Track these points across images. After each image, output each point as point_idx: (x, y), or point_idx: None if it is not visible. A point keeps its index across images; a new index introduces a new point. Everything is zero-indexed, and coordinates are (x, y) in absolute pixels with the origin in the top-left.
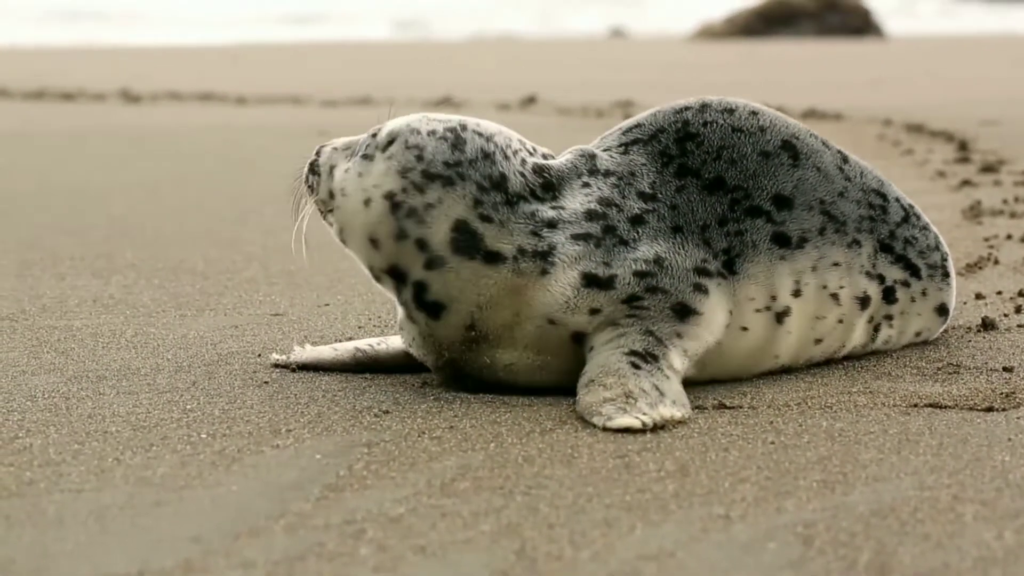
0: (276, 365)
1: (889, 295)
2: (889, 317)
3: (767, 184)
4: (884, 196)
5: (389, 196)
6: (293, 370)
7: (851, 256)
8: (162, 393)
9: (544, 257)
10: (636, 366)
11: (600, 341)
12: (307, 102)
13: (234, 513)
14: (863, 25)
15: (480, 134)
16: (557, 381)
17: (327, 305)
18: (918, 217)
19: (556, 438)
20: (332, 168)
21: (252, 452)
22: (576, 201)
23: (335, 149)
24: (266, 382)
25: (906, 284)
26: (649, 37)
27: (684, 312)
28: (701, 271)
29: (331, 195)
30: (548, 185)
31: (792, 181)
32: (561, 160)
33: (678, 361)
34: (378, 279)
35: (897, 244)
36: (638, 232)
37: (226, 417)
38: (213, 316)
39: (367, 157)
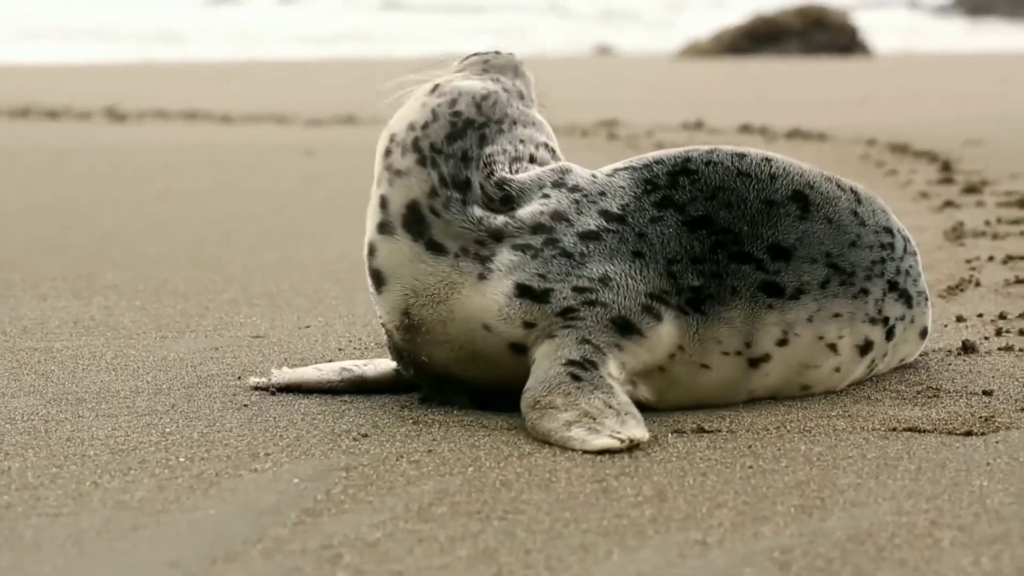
0: (256, 388)
1: (891, 334)
2: (884, 354)
3: (765, 233)
4: (891, 231)
5: (392, 138)
6: (272, 393)
7: (856, 306)
8: (141, 416)
9: (483, 262)
10: (576, 376)
11: (540, 354)
12: (292, 121)
13: (211, 537)
14: (849, 43)
15: (484, 138)
16: (501, 385)
17: (308, 327)
18: (910, 242)
19: (534, 462)
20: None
21: (230, 476)
22: (528, 212)
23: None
24: (245, 405)
25: (902, 318)
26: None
27: (626, 327)
28: (657, 298)
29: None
30: (507, 199)
31: (796, 233)
32: (531, 173)
33: (615, 369)
34: None
35: (901, 279)
36: (587, 247)
37: (205, 440)
38: (193, 338)
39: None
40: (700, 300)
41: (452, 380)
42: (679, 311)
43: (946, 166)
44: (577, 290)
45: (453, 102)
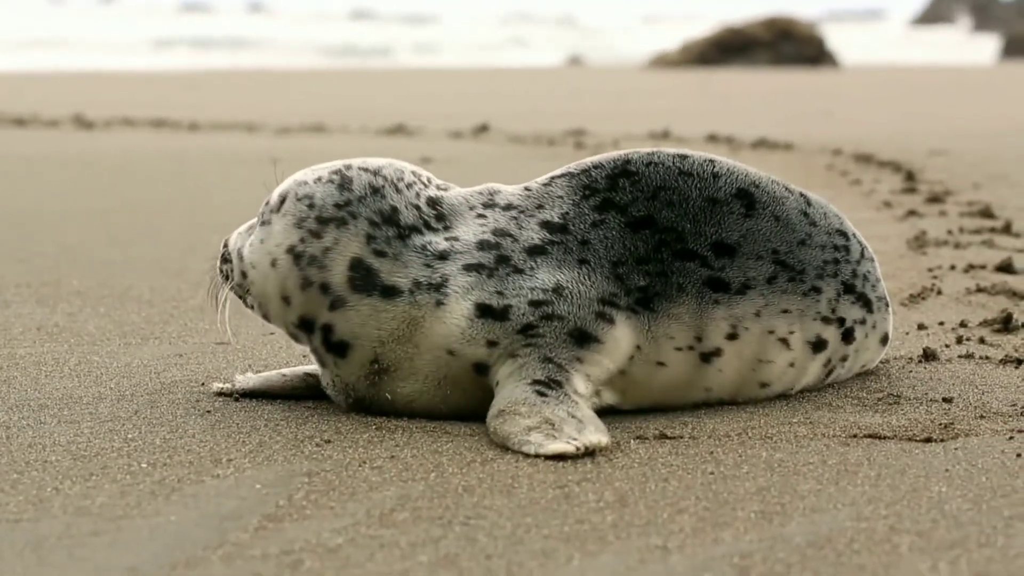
0: (219, 394)
1: (848, 336)
2: (844, 358)
3: (708, 230)
4: (845, 235)
5: (290, 250)
6: (236, 399)
7: (806, 304)
8: (104, 422)
9: (438, 288)
10: (542, 394)
11: (503, 375)
12: (261, 129)
13: (172, 543)
14: (817, 55)
15: (366, 169)
16: (459, 411)
17: (272, 334)
18: (867, 249)
19: (496, 468)
20: (240, 250)
21: (192, 482)
22: (470, 232)
23: (239, 234)
24: (208, 411)
25: (863, 322)
26: (605, 65)
27: (583, 338)
28: (607, 302)
29: (244, 275)
30: (441, 216)
31: (740, 231)
32: (456, 192)
33: (581, 385)
34: (295, 337)
35: (858, 282)
36: (535, 261)
37: (167, 446)
38: (158, 344)
39: (265, 223)
40: (648, 299)
41: (415, 414)
42: (630, 311)
43: (910, 176)
44: (534, 304)
45: (302, 183)
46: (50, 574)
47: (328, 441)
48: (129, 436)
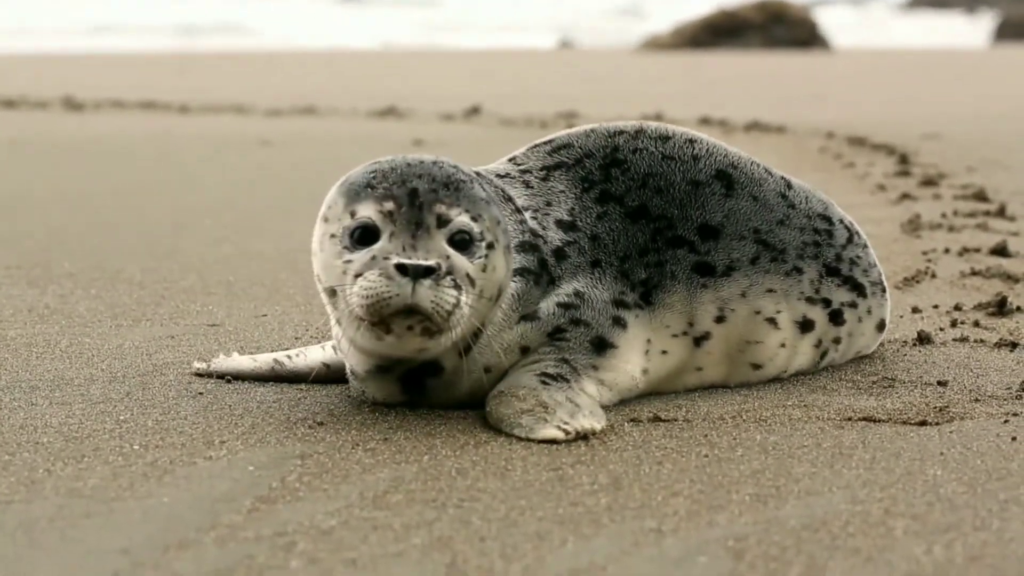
0: (197, 374)
1: (836, 317)
2: (837, 340)
3: (694, 214)
4: (829, 220)
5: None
6: (228, 381)
7: (789, 283)
8: (95, 404)
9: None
10: (545, 383)
11: (517, 366)
12: (251, 111)
13: (164, 525)
14: (809, 38)
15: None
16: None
17: (264, 316)
18: (859, 235)
19: (490, 451)
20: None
21: (185, 464)
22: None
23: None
24: (201, 393)
25: (853, 305)
26: (596, 48)
27: (602, 346)
28: (619, 303)
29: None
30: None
31: (722, 211)
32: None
33: (591, 387)
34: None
35: (843, 266)
36: (560, 264)
37: (159, 428)
38: (149, 326)
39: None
40: (648, 292)
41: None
42: (637, 308)
43: (904, 159)
44: (562, 307)
45: None
46: (42, 556)
47: (321, 423)
48: (121, 418)
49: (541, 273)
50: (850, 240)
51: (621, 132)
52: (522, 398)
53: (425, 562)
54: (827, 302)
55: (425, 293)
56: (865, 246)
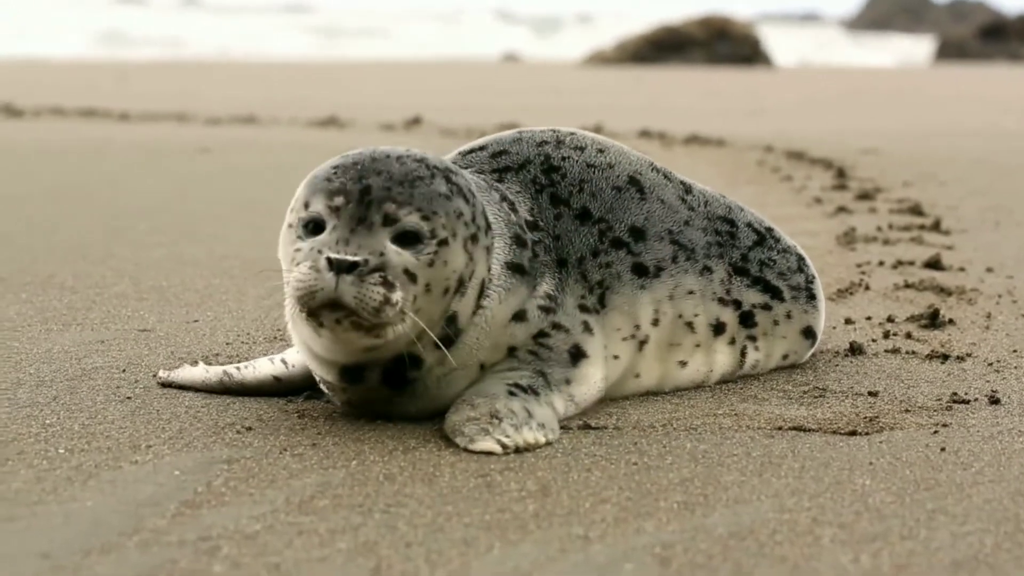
0: (160, 383)
1: (747, 319)
2: (753, 339)
3: (623, 216)
4: (732, 222)
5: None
6: (162, 386)
7: (704, 283)
8: (21, 407)
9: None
10: (512, 394)
11: (490, 371)
12: (191, 119)
13: (87, 529)
14: (752, 54)
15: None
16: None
17: (196, 321)
18: (777, 240)
19: (419, 456)
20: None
21: (110, 468)
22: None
23: None
24: (129, 397)
25: (767, 307)
26: (541, 62)
27: (577, 355)
28: (583, 308)
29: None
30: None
31: (643, 213)
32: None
33: (560, 403)
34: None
35: (752, 266)
36: (535, 265)
37: (85, 432)
38: (79, 331)
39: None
40: (603, 294)
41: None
42: (595, 312)
43: (841, 173)
44: (543, 309)
45: None
46: None
47: (249, 428)
48: (47, 422)
49: (530, 270)
50: (760, 243)
51: (545, 143)
52: (476, 406)
53: (350, 567)
54: (738, 304)
55: (347, 288)
56: (784, 250)
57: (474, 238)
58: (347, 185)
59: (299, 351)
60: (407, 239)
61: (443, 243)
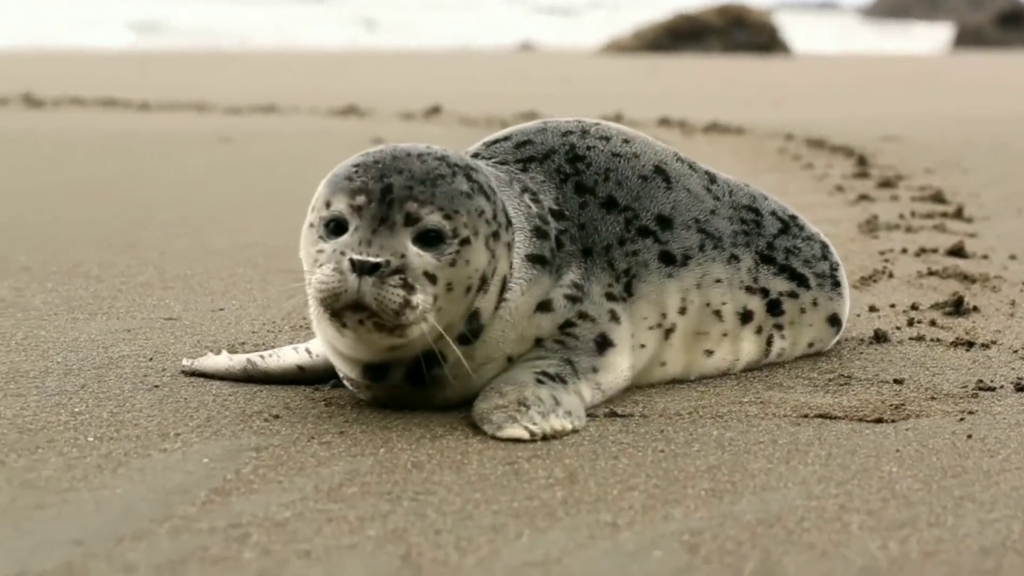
0: (183, 371)
1: (774, 308)
2: (779, 327)
3: (650, 205)
4: (757, 211)
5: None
6: (187, 375)
7: (731, 271)
8: (50, 396)
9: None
10: (541, 381)
11: (519, 360)
12: (211, 109)
13: (118, 516)
14: (769, 42)
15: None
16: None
17: (221, 310)
18: (801, 228)
19: (446, 444)
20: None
21: (139, 455)
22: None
23: None
24: (156, 386)
25: (793, 295)
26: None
27: (604, 344)
28: (609, 296)
29: None
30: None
31: (670, 202)
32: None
33: (587, 391)
34: None
35: (778, 254)
36: (561, 254)
37: (114, 420)
38: (106, 320)
39: None
40: (630, 283)
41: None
42: (622, 300)
43: (862, 160)
44: (569, 299)
45: None
46: None
47: (277, 416)
48: (76, 410)
49: (552, 260)
50: (784, 231)
51: (570, 132)
52: (504, 394)
53: (379, 554)
54: (765, 292)
55: (368, 290)
56: (809, 238)
57: (496, 235)
58: (369, 184)
59: (323, 348)
60: (429, 238)
61: (465, 242)
